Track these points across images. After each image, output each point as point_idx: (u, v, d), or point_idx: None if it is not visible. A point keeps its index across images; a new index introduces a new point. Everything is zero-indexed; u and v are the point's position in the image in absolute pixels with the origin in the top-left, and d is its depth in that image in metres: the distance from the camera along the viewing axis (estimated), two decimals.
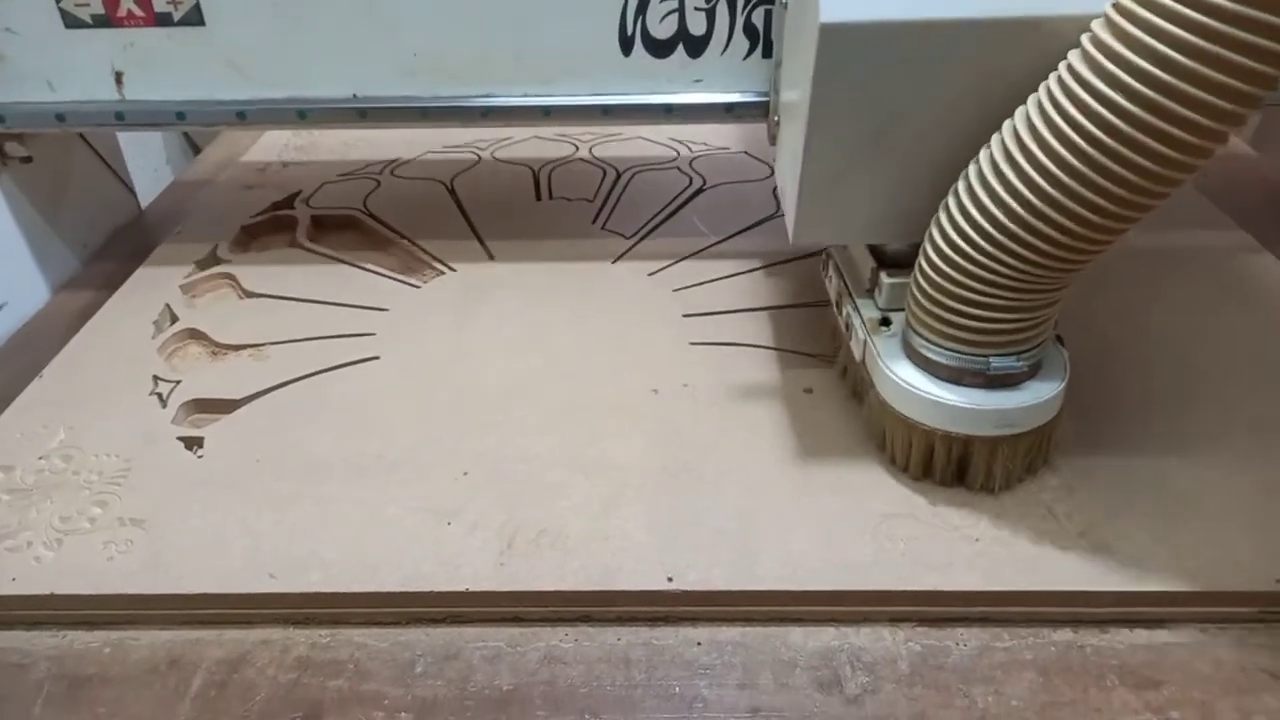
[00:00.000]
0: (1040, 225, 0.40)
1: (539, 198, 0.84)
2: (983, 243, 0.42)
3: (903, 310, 0.50)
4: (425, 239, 0.76)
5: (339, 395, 0.59)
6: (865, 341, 0.51)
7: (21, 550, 0.49)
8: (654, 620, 0.47)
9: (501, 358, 0.62)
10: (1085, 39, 0.38)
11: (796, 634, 0.46)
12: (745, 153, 0.91)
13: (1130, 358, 0.60)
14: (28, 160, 0.73)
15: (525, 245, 0.76)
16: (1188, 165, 0.37)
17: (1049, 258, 0.41)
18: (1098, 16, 0.38)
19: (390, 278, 0.72)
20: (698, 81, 0.64)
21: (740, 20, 0.62)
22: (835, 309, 0.58)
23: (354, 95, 0.65)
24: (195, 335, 0.66)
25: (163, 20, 0.62)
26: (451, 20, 0.62)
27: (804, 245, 0.52)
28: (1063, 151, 0.38)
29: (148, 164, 1.06)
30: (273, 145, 0.96)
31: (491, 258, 0.75)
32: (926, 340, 0.48)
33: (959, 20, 0.42)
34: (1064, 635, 0.46)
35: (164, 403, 0.59)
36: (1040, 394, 0.47)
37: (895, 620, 0.46)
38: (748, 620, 0.46)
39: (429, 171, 0.88)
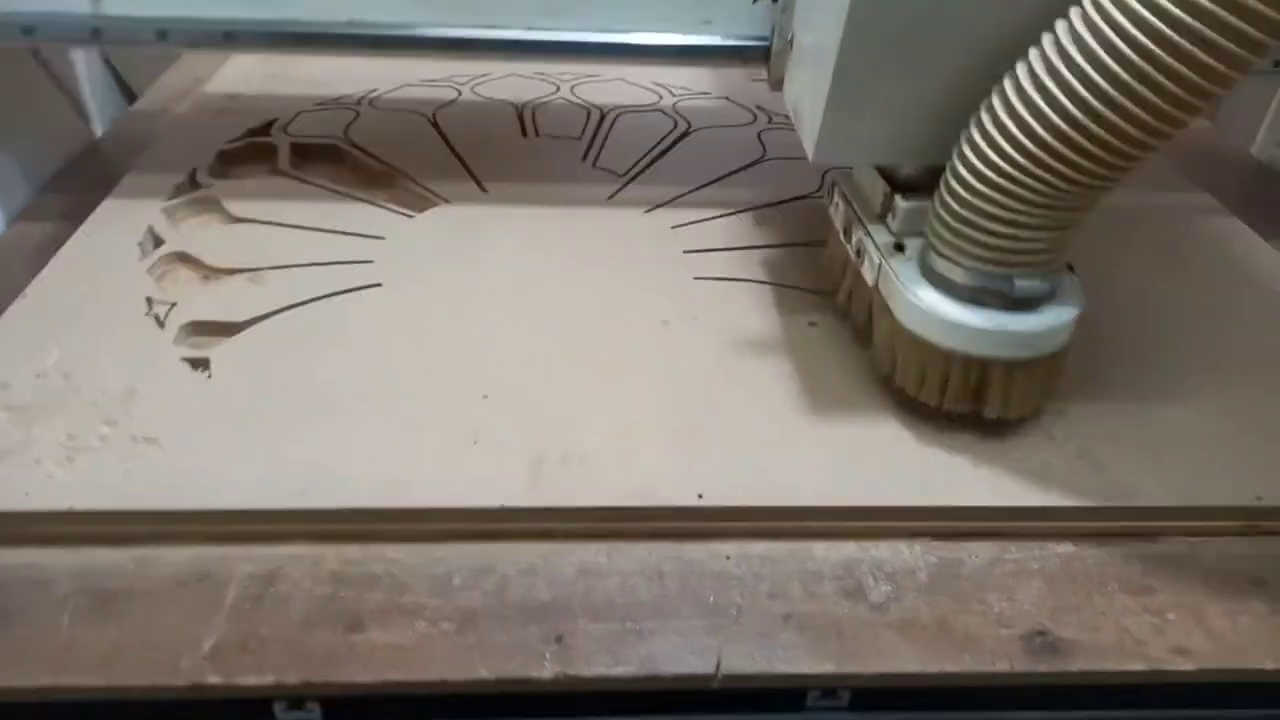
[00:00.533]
0: (1079, 139, 0.40)
1: (525, 134, 0.83)
2: (1019, 157, 0.42)
3: (917, 235, 0.50)
4: (412, 170, 0.75)
5: (345, 320, 0.58)
6: (880, 265, 0.51)
7: (30, 467, 0.47)
8: (682, 536, 0.48)
9: (507, 288, 0.62)
10: None
11: (820, 548, 0.48)
12: (727, 98, 0.91)
13: (1107, 303, 0.64)
14: None
15: (517, 179, 0.75)
16: (1227, 78, 0.37)
17: (1086, 173, 0.41)
18: None
19: (382, 207, 0.71)
20: (706, 23, 0.63)
21: None
22: (843, 237, 0.57)
23: (350, 20, 0.62)
24: (184, 259, 0.64)
25: None
26: None
27: (823, 163, 0.51)
28: (1109, 60, 0.38)
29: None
30: (236, 74, 0.92)
31: (484, 191, 0.74)
32: (950, 260, 0.47)
33: None
34: (1065, 548, 0.49)
35: (161, 324, 0.57)
36: (1060, 316, 0.48)
37: (911, 535, 0.49)
38: (774, 536, 0.48)
39: (409, 104, 0.86)
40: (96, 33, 0.61)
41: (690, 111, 0.88)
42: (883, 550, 0.48)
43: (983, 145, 0.43)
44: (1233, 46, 0.36)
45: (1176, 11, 0.36)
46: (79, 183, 0.75)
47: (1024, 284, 0.46)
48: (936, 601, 0.45)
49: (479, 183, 0.75)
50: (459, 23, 0.62)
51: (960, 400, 0.50)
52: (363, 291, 0.61)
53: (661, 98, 0.91)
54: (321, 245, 0.65)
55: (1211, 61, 0.37)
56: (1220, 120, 0.96)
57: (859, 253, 0.54)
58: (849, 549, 0.48)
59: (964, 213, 0.45)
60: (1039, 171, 0.42)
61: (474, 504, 0.47)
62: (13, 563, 0.45)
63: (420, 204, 0.71)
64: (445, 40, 0.63)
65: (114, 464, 0.47)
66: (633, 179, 0.76)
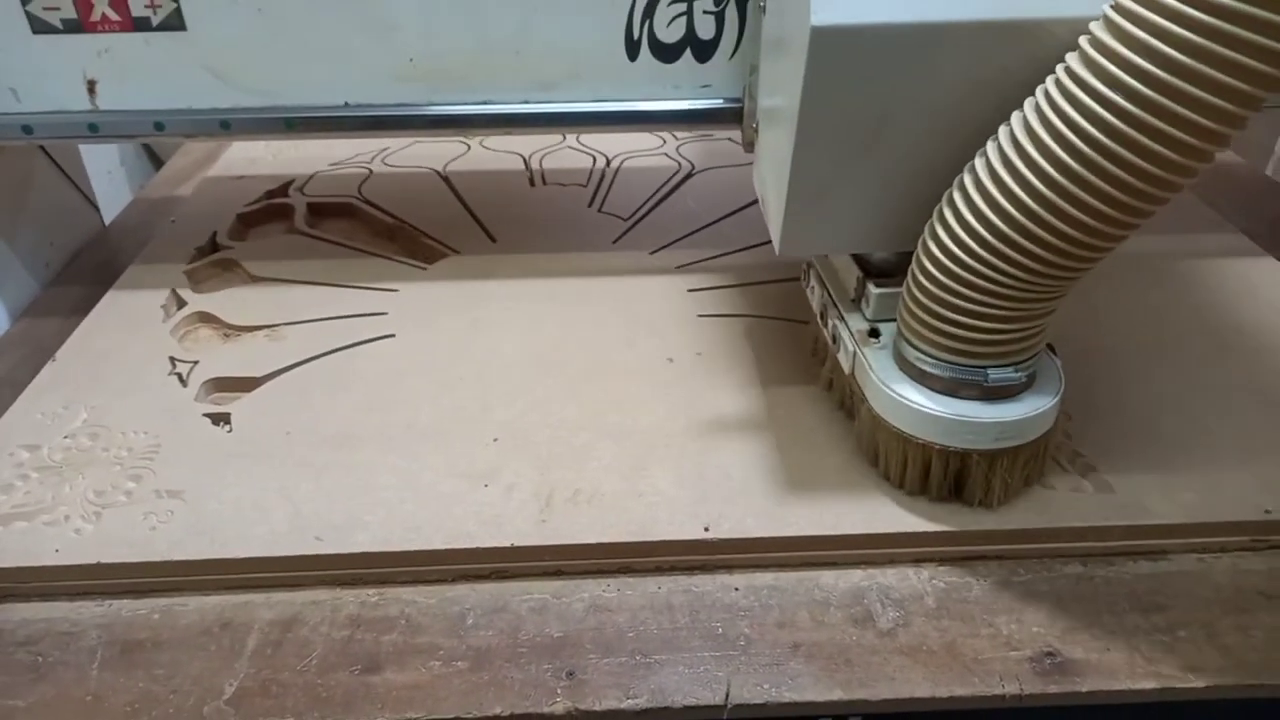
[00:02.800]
0: (1040, 232, 0.39)
1: (533, 184, 0.86)
2: (981, 250, 0.41)
3: (892, 321, 0.49)
4: (424, 224, 0.77)
5: (360, 371, 0.60)
6: (855, 354, 0.50)
7: (60, 524, 0.49)
8: (691, 569, 0.49)
9: (516, 332, 0.64)
10: (1084, 41, 0.37)
11: (827, 576, 0.48)
12: (729, 139, 0.93)
13: (1111, 321, 0.64)
14: None
15: (525, 228, 0.77)
16: (1190, 168, 0.36)
17: (1049, 265, 0.40)
18: (1095, 19, 0.37)
19: (396, 260, 0.73)
20: (705, 87, 0.62)
21: (750, 24, 0.59)
22: (820, 321, 0.56)
23: (345, 103, 0.62)
24: (206, 318, 0.66)
25: (141, 25, 0.58)
26: (451, 23, 0.59)
27: (793, 255, 0.50)
28: (1063, 155, 0.37)
29: (100, 166, 0.98)
30: (250, 143, 0.95)
31: (493, 240, 0.76)
32: (921, 352, 0.46)
33: (953, 23, 0.40)
34: (1074, 568, 0.49)
35: (184, 382, 0.59)
36: (1038, 405, 0.46)
37: (918, 561, 0.49)
38: (781, 566, 0.49)
39: (420, 159, 0.89)
40: (94, 128, 0.62)
41: (693, 153, 0.90)
42: (890, 577, 0.48)
43: (945, 238, 0.42)
44: (1184, 136, 0.35)
45: (1124, 104, 0.35)
46: (86, 276, 0.76)
47: (999, 375, 0.45)
48: (945, 626, 0.46)
49: (488, 233, 0.77)
50: (455, 100, 0.62)
51: (941, 489, 0.49)
52: (377, 343, 0.63)
53: (665, 141, 0.93)
54: (337, 299, 0.68)
55: (1165, 151, 0.35)
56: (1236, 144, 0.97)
57: (834, 339, 0.53)
58: (856, 576, 0.48)
59: (931, 305, 0.44)
60: (1000, 264, 0.41)
61: (486, 544, 0.48)
62: (43, 616, 0.47)
63: (432, 255, 0.74)
64: (443, 118, 0.62)
65: (139, 518, 0.49)
66: (638, 222, 0.78)
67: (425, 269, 0.72)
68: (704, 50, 0.61)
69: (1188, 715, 0.45)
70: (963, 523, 0.49)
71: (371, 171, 0.87)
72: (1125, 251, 0.71)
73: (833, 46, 0.40)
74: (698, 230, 0.76)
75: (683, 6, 0.59)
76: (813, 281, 0.57)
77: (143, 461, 0.53)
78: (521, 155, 0.90)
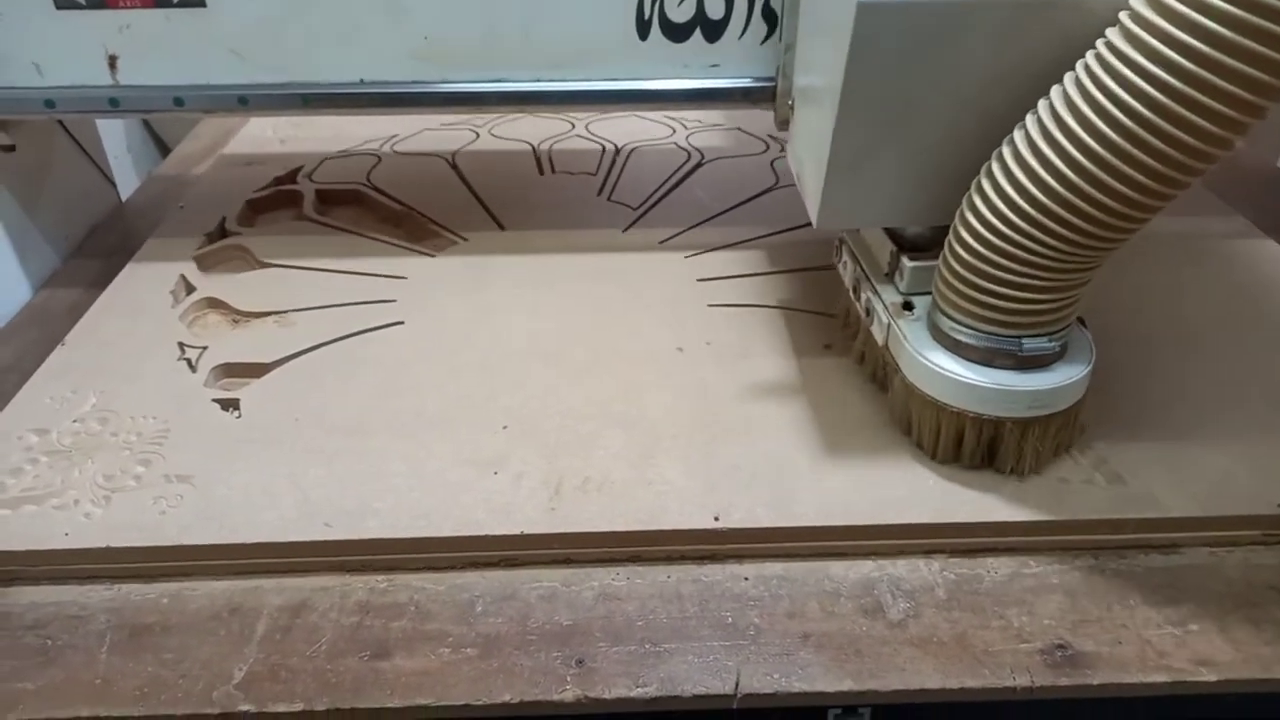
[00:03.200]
0: (1080, 203, 0.40)
1: (541, 172, 0.85)
2: (1020, 222, 0.42)
3: (925, 294, 0.50)
4: (433, 211, 0.77)
5: (369, 358, 0.60)
6: (889, 326, 0.51)
7: (69, 508, 0.49)
8: (701, 559, 0.49)
9: (524, 319, 0.64)
10: (1124, 16, 0.38)
11: (837, 567, 0.48)
12: (739, 129, 0.93)
13: (1126, 316, 0.64)
14: (11, 149, 0.70)
15: (534, 216, 0.77)
16: (1228, 140, 0.37)
17: (1088, 236, 0.41)
18: None
19: (404, 247, 0.73)
20: (715, 66, 0.63)
21: (759, 3, 0.61)
22: (852, 295, 0.57)
23: (360, 80, 0.63)
24: (214, 304, 0.66)
25: (161, 1, 0.60)
26: (464, 2, 0.61)
27: (831, 227, 0.51)
28: (1104, 128, 0.38)
29: (109, 152, 0.97)
30: (262, 127, 0.95)
31: (502, 227, 0.76)
32: (957, 322, 0.47)
33: (993, 1, 0.41)
34: (1086, 561, 0.49)
35: (193, 367, 0.59)
36: (1070, 375, 0.47)
37: (929, 552, 0.49)
38: (790, 556, 0.49)
39: (429, 147, 0.89)
40: (115, 103, 0.63)
41: (703, 143, 0.89)
42: (900, 568, 0.48)
43: (983, 210, 0.43)
44: (1223, 108, 0.36)
45: (1165, 76, 0.36)
46: (104, 248, 0.78)
47: (1032, 345, 0.46)
48: (955, 617, 0.46)
49: (497, 221, 0.77)
50: (468, 78, 0.63)
51: (974, 457, 0.50)
52: (386, 329, 0.63)
53: (674, 131, 0.92)
54: (346, 286, 0.67)
55: (1204, 123, 0.36)
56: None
57: (868, 312, 0.54)
58: (866, 567, 0.48)
59: (968, 275, 0.45)
60: (1039, 235, 0.42)
61: (495, 532, 0.48)
62: (53, 600, 0.47)
63: (441, 243, 0.73)
64: (455, 95, 0.64)
65: (148, 503, 0.49)
66: (647, 211, 0.78)
67: (433, 256, 0.72)
68: (714, 30, 0.62)
69: (1199, 709, 0.45)
70: (974, 513, 0.49)
71: (380, 158, 0.87)
72: (1138, 244, 0.71)
73: (877, 24, 0.42)
74: (707, 220, 0.76)
75: None
76: (845, 257, 0.58)
77: (152, 446, 0.53)
78: (530, 143, 0.90)
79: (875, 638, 0.45)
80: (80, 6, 0.60)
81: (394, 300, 0.66)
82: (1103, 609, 0.46)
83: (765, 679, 0.43)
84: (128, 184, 0.90)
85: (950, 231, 0.46)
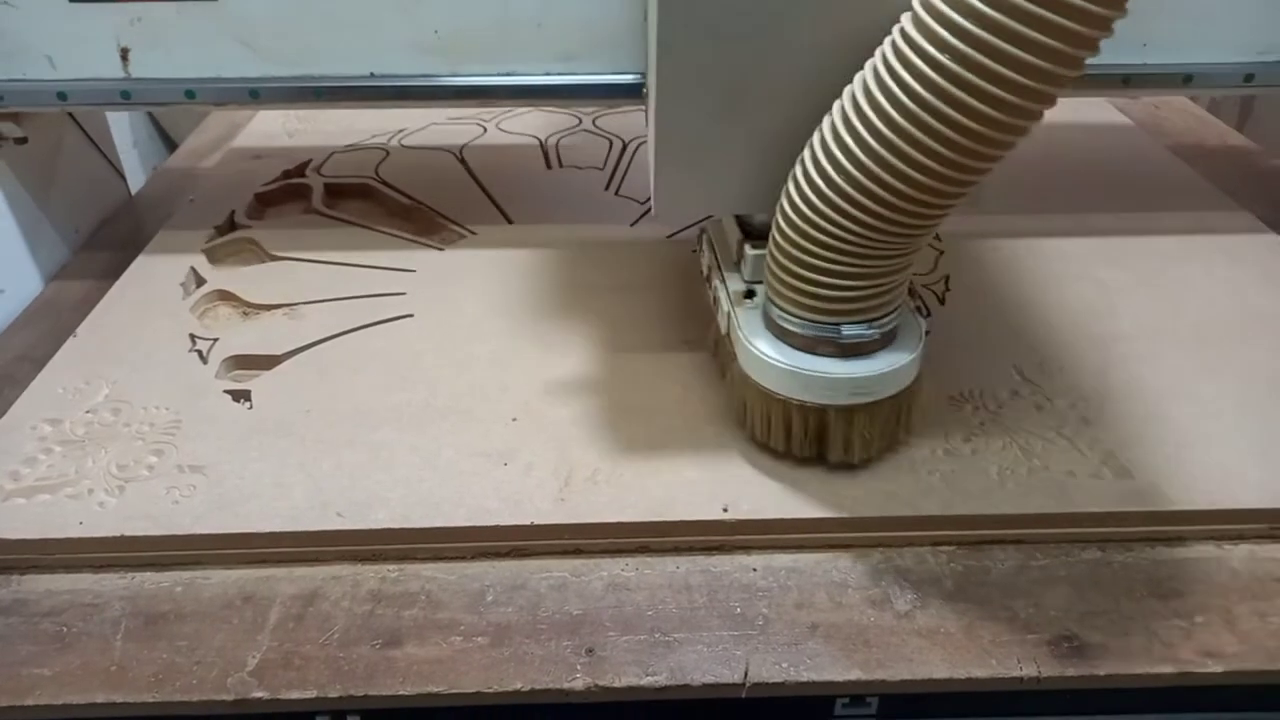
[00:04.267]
0: (877, 190, 0.40)
1: (549, 166, 0.86)
2: (825, 209, 0.42)
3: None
4: (441, 205, 0.77)
5: (379, 350, 0.60)
6: (729, 313, 0.51)
7: (83, 497, 0.49)
8: (709, 549, 0.49)
9: (532, 313, 0.64)
10: (916, 3, 0.38)
11: (845, 559, 0.49)
12: None
13: (1130, 308, 0.64)
14: (23, 141, 0.70)
15: (542, 210, 0.77)
16: (1014, 127, 0.37)
17: (888, 222, 0.41)
18: None
19: (413, 240, 0.73)
20: None
21: None
22: (706, 283, 0.58)
23: (371, 73, 0.63)
24: (225, 296, 0.66)
25: None
26: None
27: (669, 221, 0.51)
28: (894, 115, 0.38)
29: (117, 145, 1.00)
30: (271, 120, 0.96)
31: (510, 221, 0.76)
32: (782, 310, 0.48)
33: None
34: (1092, 554, 0.49)
35: (205, 359, 0.60)
36: (894, 362, 0.47)
37: (936, 544, 0.49)
38: (799, 547, 0.49)
39: (436, 141, 0.89)
40: (127, 95, 0.63)
41: None
42: (908, 559, 0.48)
43: (795, 198, 0.44)
44: (1009, 96, 0.36)
45: (950, 64, 0.36)
46: (114, 240, 0.78)
47: (852, 331, 0.47)
48: (963, 608, 0.46)
49: (505, 215, 0.77)
50: (478, 71, 0.63)
51: (804, 445, 0.50)
52: (396, 322, 0.63)
53: None
54: (355, 279, 0.68)
55: (991, 111, 0.36)
56: (1249, 130, 0.96)
57: (715, 300, 0.55)
58: (874, 559, 0.49)
59: (787, 263, 0.46)
60: (845, 222, 0.42)
61: (506, 522, 0.48)
62: (68, 588, 0.47)
63: (449, 237, 0.74)
64: (465, 88, 0.63)
65: (161, 492, 0.50)
66: None
67: (442, 250, 0.72)
68: None
69: (1205, 700, 0.45)
70: (981, 506, 0.49)
71: (388, 152, 0.87)
72: (1144, 238, 0.72)
73: (684, 7, 0.42)
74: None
75: None
76: (704, 246, 0.58)
77: (164, 437, 0.53)
78: (538, 138, 0.90)
79: (883, 628, 0.45)
80: None
81: (403, 293, 0.66)
82: (1109, 601, 0.46)
83: (774, 668, 0.43)
84: (134, 178, 0.90)
85: (773, 219, 0.46)
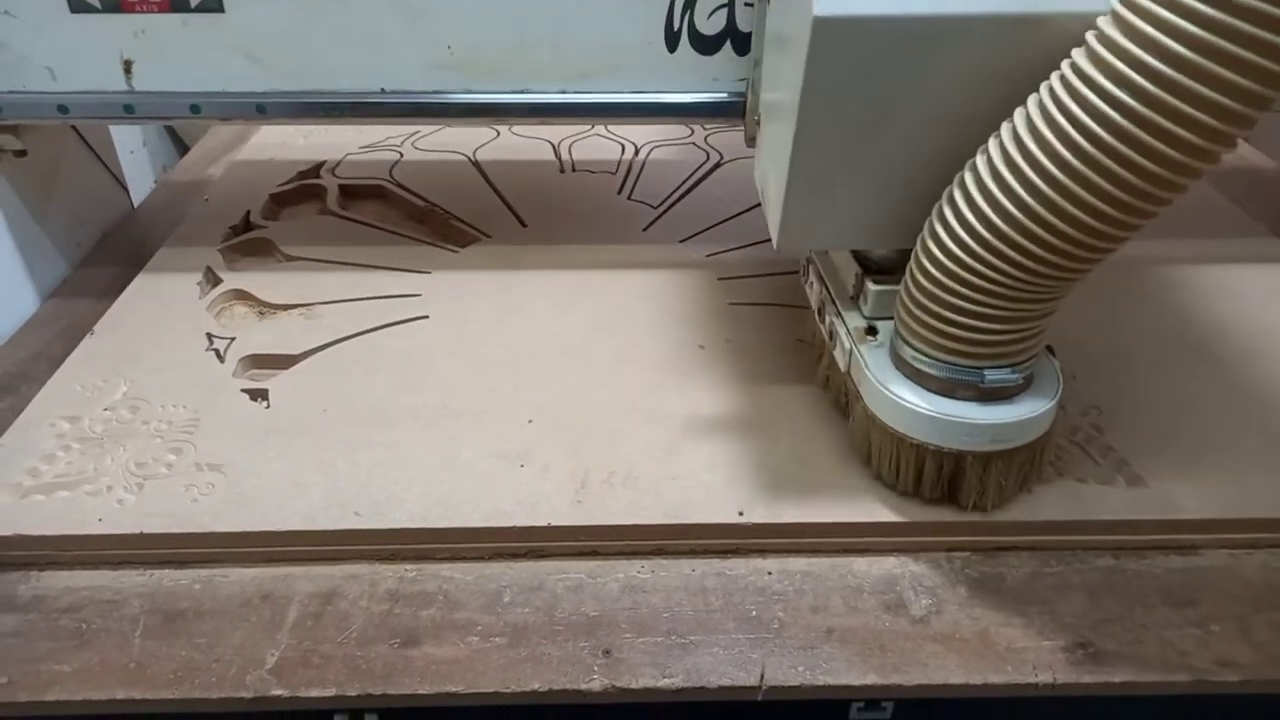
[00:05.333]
0: (1040, 231, 0.38)
1: (562, 170, 0.86)
2: (980, 249, 0.40)
3: (889, 319, 0.48)
4: (455, 208, 0.77)
5: (396, 351, 0.61)
6: (851, 351, 0.50)
7: (102, 494, 0.50)
8: (725, 553, 0.49)
9: (548, 316, 0.64)
10: (1091, 36, 0.36)
11: (860, 563, 0.49)
12: None
13: (1144, 318, 0.64)
14: (22, 154, 0.67)
15: (555, 214, 0.78)
16: (1194, 170, 0.35)
17: (1049, 265, 0.39)
18: (1103, 13, 0.36)
19: (428, 243, 0.73)
20: (744, 80, 0.60)
21: None
22: (817, 317, 0.56)
23: (382, 90, 0.62)
24: (241, 296, 0.67)
25: (178, 6, 0.58)
26: (489, 12, 0.59)
27: (792, 249, 0.49)
28: (1065, 154, 0.36)
29: (123, 146, 0.96)
30: (277, 131, 0.96)
31: (524, 225, 0.76)
32: (917, 351, 0.46)
33: (957, 16, 0.39)
34: (1106, 561, 0.49)
35: (222, 358, 0.60)
36: (1035, 408, 0.46)
37: (951, 550, 0.49)
38: (814, 552, 0.49)
39: (450, 144, 0.90)
40: (129, 109, 0.62)
41: (721, 143, 0.90)
42: (923, 565, 0.49)
43: (943, 235, 0.42)
44: (1191, 137, 0.34)
45: (1131, 102, 0.34)
46: (115, 257, 0.76)
47: (994, 376, 0.45)
48: (978, 614, 0.46)
49: (519, 218, 0.77)
50: (491, 89, 0.62)
51: (935, 490, 0.49)
52: (411, 324, 0.64)
53: (693, 131, 0.93)
54: (370, 281, 0.68)
55: (1171, 152, 0.35)
56: (1257, 139, 0.96)
57: (831, 335, 0.53)
58: (889, 564, 0.49)
59: (928, 303, 0.44)
60: (998, 263, 0.40)
61: (523, 524, 0.48)
62: (87, 584, 0.47)
63: (464, 239, 0.74)
64: (479, 105, 0.62)
65: (180, 490, 0.50)
66: (667, 210, 0.78)
67: (457, 252, 0.72)
68: (744, 43, 0.60)
69: (1219, 709, 0.46)
70: (996, 513, 0.49)
71: (402, 155, 0.87)
72: (1155, 254, 0.72)
73: (834, 38, 0.40)
74: (727, 219, 0.77)
75: None
76: (811, 277, 0.57)
77: (183, 435, 0.53)
78: (550, 142, 0.91)
79: (898, 633, 0.45)
80: (95, 10, 0.58)
81: (419, 295, 0.67)
82: (1124, 609, 0.46)
83: (790, 672, 0.43)
84: (143, 178, 0.90)
85: (912, 256, 0.44)
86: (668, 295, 0.67)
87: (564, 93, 0.62)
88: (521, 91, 0.62)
